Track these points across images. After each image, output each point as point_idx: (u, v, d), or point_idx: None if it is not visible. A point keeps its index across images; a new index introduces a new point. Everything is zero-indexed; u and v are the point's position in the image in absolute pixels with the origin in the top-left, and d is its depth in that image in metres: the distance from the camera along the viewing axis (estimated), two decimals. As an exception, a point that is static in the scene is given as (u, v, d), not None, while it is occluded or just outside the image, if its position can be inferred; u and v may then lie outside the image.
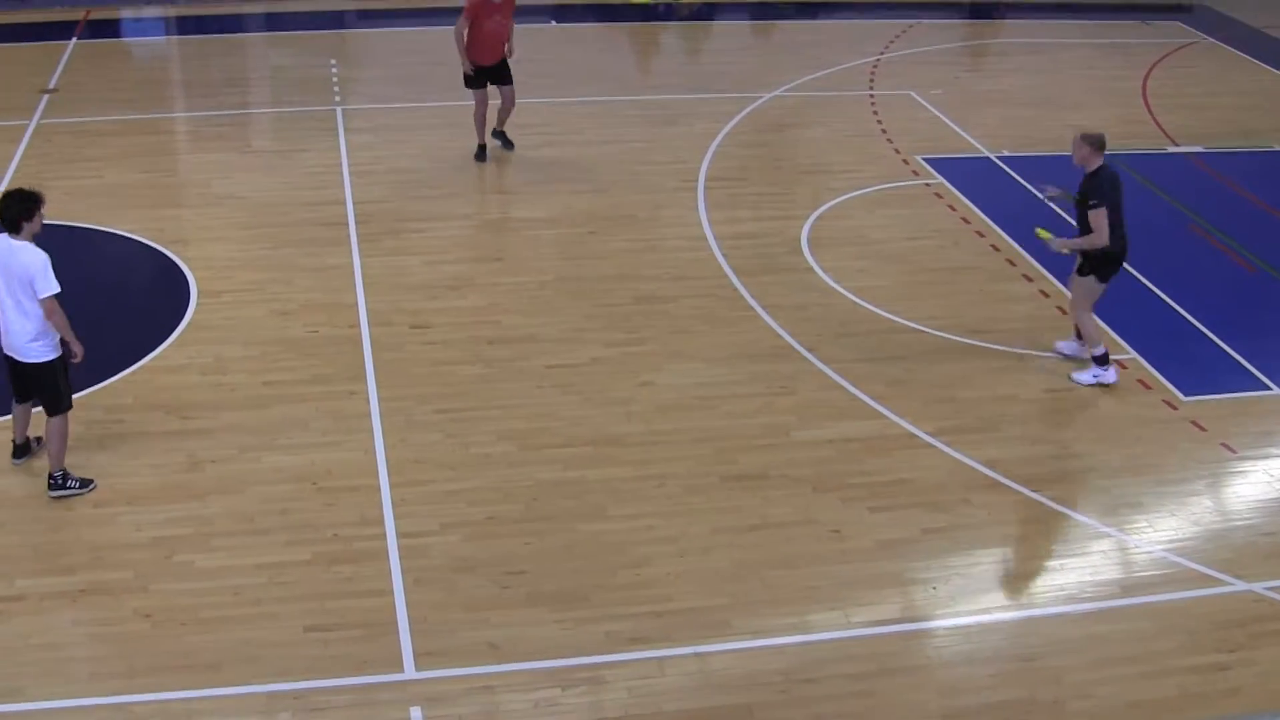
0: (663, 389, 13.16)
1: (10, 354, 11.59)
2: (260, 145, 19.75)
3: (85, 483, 11.68)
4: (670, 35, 26.40)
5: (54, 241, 15.94)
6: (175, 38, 25.95)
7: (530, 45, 23.72)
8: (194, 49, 25.14)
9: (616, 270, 15.49)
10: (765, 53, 25.69)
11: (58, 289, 11.40)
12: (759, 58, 25.13)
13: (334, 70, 22.38)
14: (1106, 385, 13.53)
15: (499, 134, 19.09)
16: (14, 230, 11.39)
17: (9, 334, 11.49)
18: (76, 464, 11.80)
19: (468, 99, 18.99)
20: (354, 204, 17.15)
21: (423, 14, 26.09)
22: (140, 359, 13.58)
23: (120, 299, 15.31)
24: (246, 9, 26.87)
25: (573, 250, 16.01)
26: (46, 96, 21.00)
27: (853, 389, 13.18)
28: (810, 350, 13.82)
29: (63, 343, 11.56)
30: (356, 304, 14.59)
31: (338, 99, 21.04)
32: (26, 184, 12.36)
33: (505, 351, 13.67)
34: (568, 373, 13.35)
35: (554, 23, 25.84)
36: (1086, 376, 13.63)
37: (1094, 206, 13.01)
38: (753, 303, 14.78)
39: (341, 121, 20.03)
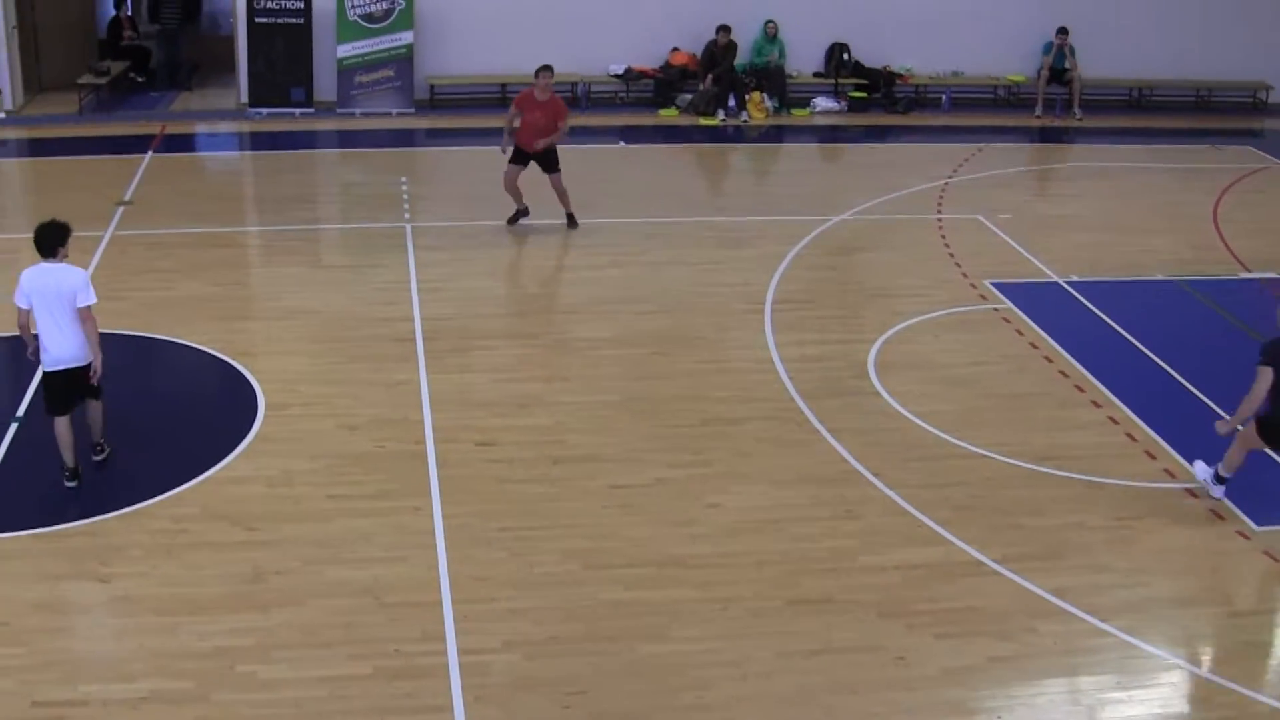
0: (727, 511, 13.10)
1: (58, 367, 13.07)
2: (330, 260, 19.93)
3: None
4: (739, 156, 26.59)
5: (126, 351, 16.32)
6: (249, 153, 26.30)
7: (599, 165, 24.02)
8: (267, 164, 25.48)
9: (682, 391, 15.49)
10: (833, 175, 25.83)
11: (96, 300, 13.03)
12: (827, 180, 25.27)
13: (404, 187, 22.60)
14: (1212, 498, 13.46)
15: (568, 216, 20.67)
16: (53, 255, 13.09)
17: (58, 348, 12.97)
18: (140, 571, 11.88)
19: (536, 219, 19.12)
20: (422, 320, 17.24)
21: (492, 133, 26.32)
22: (207, 470, 13.62)
23: (189, 410, 15.44)
24: (319, 125, 27.21)
25: (639, 370, 16.03)
26: (122, 208, 21.28)
27: (918, 514, 13.09)
28: (876, 475, 13.74)
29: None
30: (423, 420, 14.63)
31: (407, 216, 21.23)
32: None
33: (570, 470, 13.67)
34: (632, 493, 13.32)
35: (623, 143, 26.04)
36: (1205, 473, 13.60)
37: (1259, 363, 12.84)
38: (819, 426, 14.74)
39: (411, 238, 20.19)
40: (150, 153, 24.79)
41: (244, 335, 17.02)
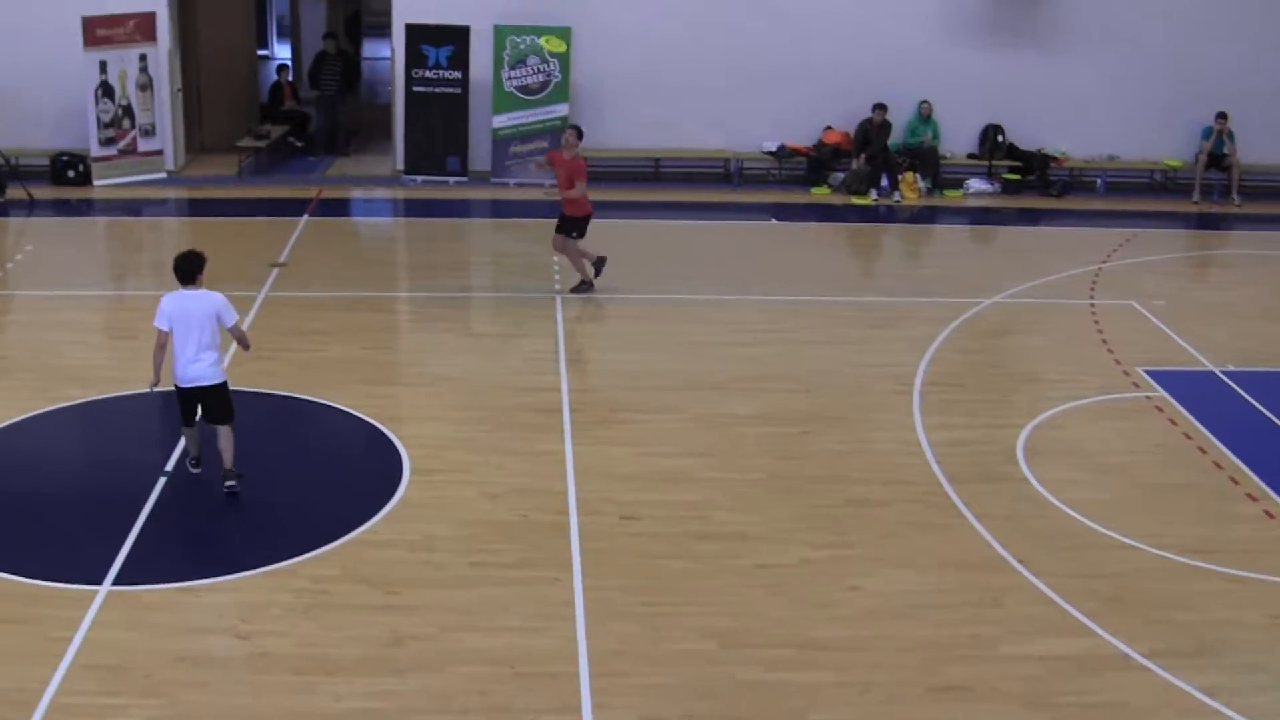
0: (870, 594, 12.95)
1: (191, 384, 14.19)
2: (479, 328, 20.06)
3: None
4: (890, 237, 26.47)
5: (275, 411, 16.50)
6: (403, 219, 26.59)
7: (750, 243, 24.04)
8: (420, 231, 25.76)
9: (827, 471, 15.37)
10: (985, 258, 25.65)
11: (238, 316, 14.56)
12: (979, 262, 25.10)
13: (555, 258, 22.69)
14: None
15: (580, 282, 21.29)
16: (192, 282, 14.22)
17: (191, 366, 14.09)
18: (279, 630, 11.99)
19: (684, 292, 19.20)
20: (569, 392, 17.27)
21: (645, 207, 26.46)
22: (350, 532, 13.71)
23: (334, 472, 15.56)
24: (472, 194, 27.45)
25: (784, 449, 15.92)
26: (276, 270, 21.57)
27: (1065, 604, 12.85)
28: (1022, 562, 13.52)
29: None
30: (566, 491, 14.63)
31: (558, 287, 21.32)
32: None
33: (712, 547, 13.58)
34: (774, 572, 13.21)
35: (774, 220, 26.02)
36: None
37: None
38: (965, 511, 14.55)
39: (561, 309, 20.27)
40: (306, 216, 25.13)
41: (391, 400, 17.15)
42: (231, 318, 14.29)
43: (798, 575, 13.17)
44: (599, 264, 21.10)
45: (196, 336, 14.05)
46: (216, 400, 14.37)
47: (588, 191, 20.88)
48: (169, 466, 15.04)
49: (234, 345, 15.45)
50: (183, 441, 15.03)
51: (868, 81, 27.88)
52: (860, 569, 13.34)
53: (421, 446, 15.65)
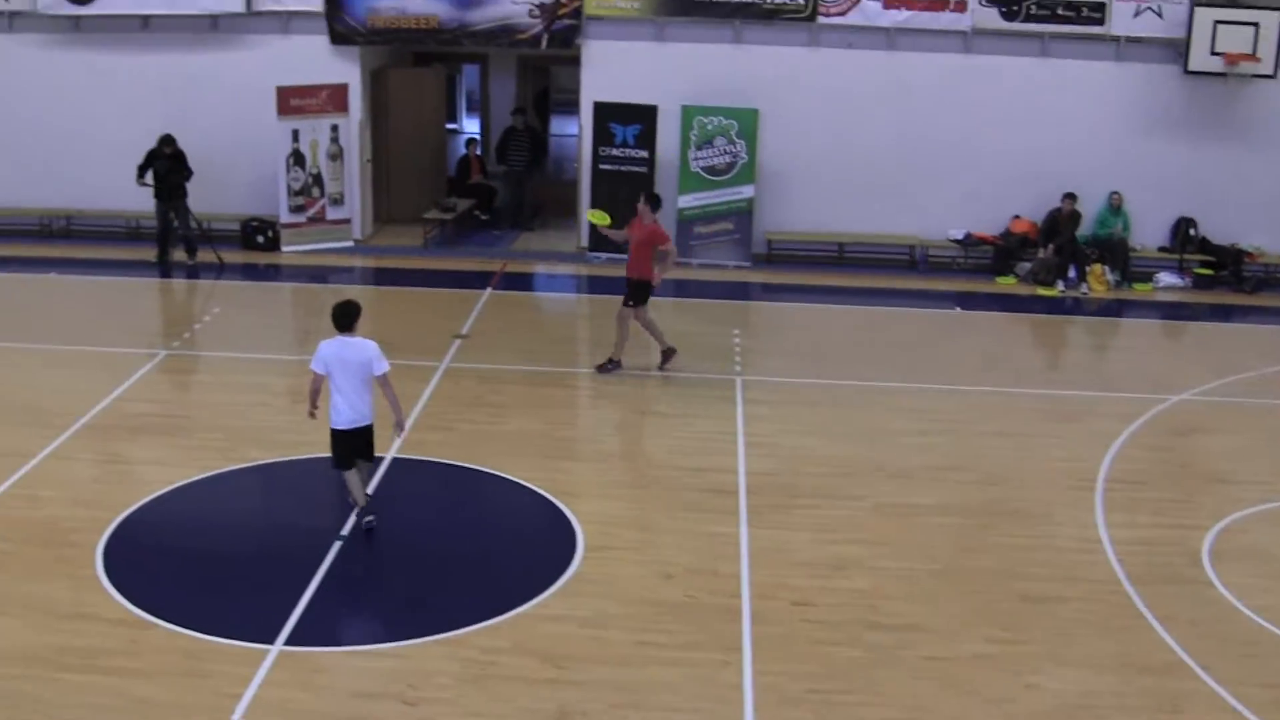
0: (1044, 693, 12.64)
1: (349, 426, 15.08)
2: (658, 407, 20.01)
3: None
4: (1076, 329, 26.04)
5: (452, 481, 16.60)
6: (585, 296, 26.70)
7: (933, 330, 23.81)
8: (602, 307, 25.78)
9: (1004, 565, 15.07)
10: (1174, 353, 25.16)
11: (389, 366, 15.17)
12: (1167, 358, 24.61)
13: (736, 340, 22.65)
14: None
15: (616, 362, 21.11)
16: (350, 330, 15.17)
17: (351, 410, 15.02)
18: (447, 698, 12.04)
19: (866, 379, 19.06)
20: (745, 474, 17.17)
21: (830, 292, 26.35)
22: (521, 605, 13.71)
23: (508, 544, 15.63)
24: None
25: (961, 541, 15.66)
26: (459, 342, 21.73)
27: (1249, 714, 12.44)
28: (1205, 669, 13.13)
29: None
30: (739, 574, 14.50)
31: (738, 368, 21.24)
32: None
33: (886, 638, 13.36)
34: (947, 665, 12.97)
35: (959, 309, 25.77)
36: None
37: None
38: (1145, 612, 14.17)
39: (740, 391, 20.19)
40: (489, 289, 25.33)
41: (568, 475, 17.16)
42: (383, 366, 15.08)
43: (970, 669, 12.91)
44: (669, 353, 21.18)
45: (354, 381, 15.00)
46: (370, 439, 15.37)
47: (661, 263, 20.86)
48: (345, 530, 15.18)
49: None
50: (354, 513, 15.37)
51: (1057, 171, 27.56)
52: (1035, 666, 13.03)
53: (596, 523, 15.63)
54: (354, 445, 15.24)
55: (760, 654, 12.96)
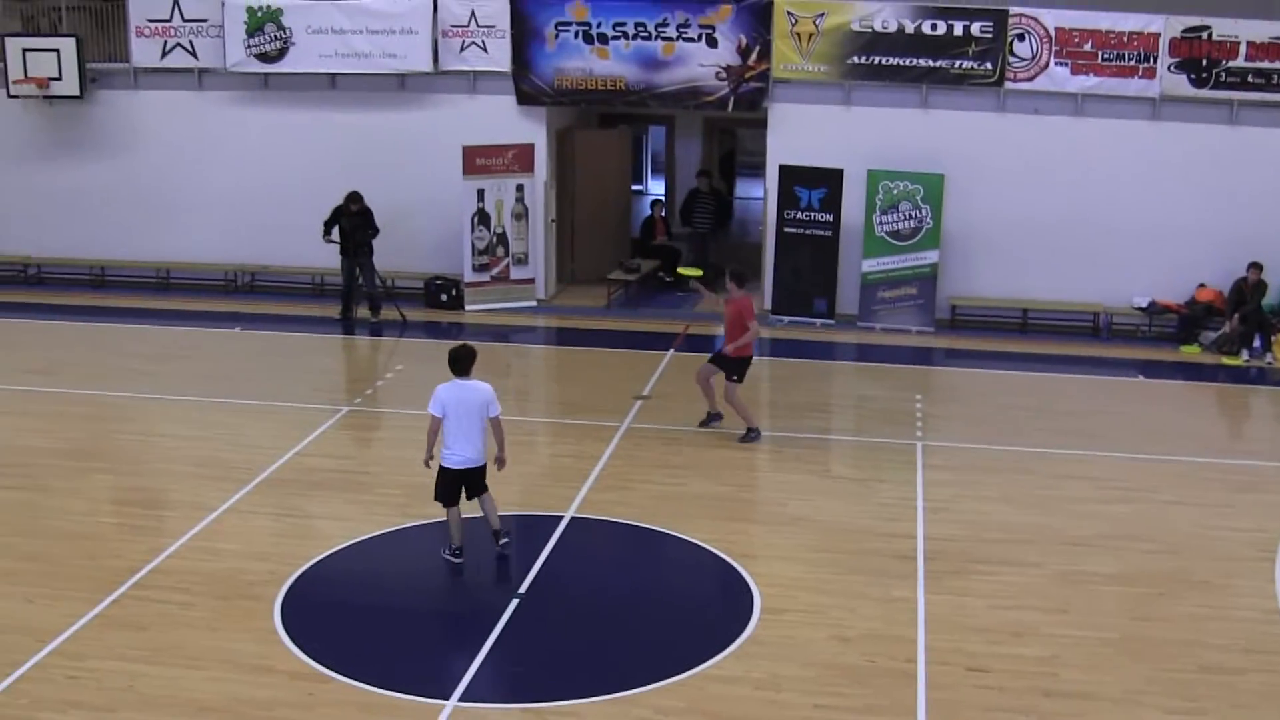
0: (1224, 767, 12.40)
1: (464, 466, 15.80)
2: (838, 471, 19.93)
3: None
4: (1260, 399, 25.50)
5: (631, 541, 16.68)
6: (768, 359, 26.67)
7: (1115, 399, 23.48)
8: (784, 371, 25.80)
9: (1183, 635, 14.74)
10: (1367, 427, 24.59)
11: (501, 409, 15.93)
12: (1358, 432, 24.07)
13: (918, 405, 22.50)
14: None
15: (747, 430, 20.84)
16: (467, 374, 15.84)
17: (466, 450, 15.75)
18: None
19: (1047, 446, 18.85)
20: (925, 539, 17.02)
21: (1013, 359, 26.11)
22: (696, 666, 13.67)
23: (685, 605, 15.62)
24: (838, 337, 27.44)
25: (1139, 610, 15.36)
26: (640, 402, 21.80)
27: None
28: (1392, 747, 12.80)
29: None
30: (916, 639, 14.36)
31: (919, 434, 21.09)
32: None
33: (1060, 706, 13.13)
34: (1124, 737, 12.77)
35: (1141, 377, 25.39)
36: None
37: None
38: (1330, 687, 13.84)
39: (921, 456, 20.03)
40: (672, 351, 25.41)
41: (745, 537, 17.13)
42: (497, 409, 15.86)
43: (1147, 741, 12.68)
44: (713, 417, 21.11)
45: (470, 423, 15.71)
46: (481, 476, 16.03)
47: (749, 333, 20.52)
48: (522, 589, 15.25)
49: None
50: (539, 566, 15.58)
51: (1245, 239, 27.06)
52: (1215, 739, 12.77)
53: (773, 585, 15.57)
54: (467, 483, 15.95)
55: (935, 719, 12.84)
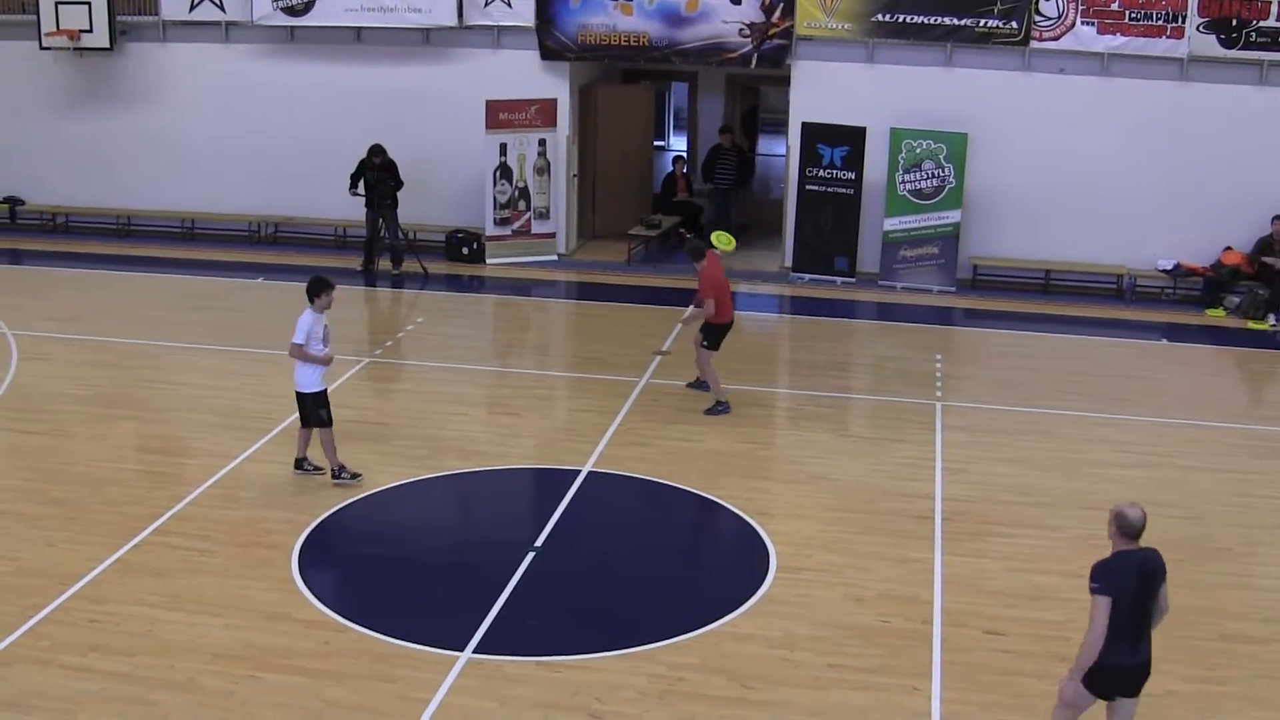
0: (1241, 734, 12.39)
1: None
2: (856, 430, 19.92)
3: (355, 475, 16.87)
4: (1287, 366, 25.48)
5: (648, 496, 16.72)
6: (787, 316, 26.66)
7: (1138, 362, 23.41)
8: (804, 329, 25.80)
9: (1203, 603, 14.70)
10: (1390, 395, 24.50)
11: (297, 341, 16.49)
12: (1382, 400, 23.99)
13: (938, 365, 22.46)
14: None
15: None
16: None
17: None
18: (633, 714, 12.11)
19: (1068, 408, 18.87)
20: (942, 500, 17.00)
21: (1034, 319, 26.03)
22: (711, 623, 13.70)
23: (701, 561, 15.69)
24: (859, 296, 27.37)
25: (1160, 576, 15.35)
26: (659, 358, 21.78)
27: None
28: None
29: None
30: (932, 601, 14.36)
31: (938, 394, 21.05)
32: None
33: (1078, 670, 13.16)
34: (1139, 702, 12.70)
35: (1165, 341, 25.29)
36: None
37: (1094, 590, 10.68)
38: (1351, 656, 13.81)
39: (940, 417, 20.00)
40: (692, 307, 25.30)
41: (763, 495, 17.13)
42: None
43: (1162, 707, 12.61)
44: (699, 384, 20.61)
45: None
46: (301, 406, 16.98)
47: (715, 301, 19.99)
48: (539, 542, 15.27)
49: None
50: (556, 520, 15.80)
51: (1272, 201, 26.91)
52: (1230, 707, 12.73)
53: (790, 544, 15.58)
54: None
55: (950, 682, 12.83)
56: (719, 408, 19.87)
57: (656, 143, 35.70)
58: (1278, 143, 26.98)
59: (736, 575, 14.99)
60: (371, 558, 15.29)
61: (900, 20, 27.53)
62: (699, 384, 20.59)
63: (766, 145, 38.01)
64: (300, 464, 17.13)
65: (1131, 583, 10.76)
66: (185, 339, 22.88)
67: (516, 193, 28.86)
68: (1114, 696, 10.96)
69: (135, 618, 13.53)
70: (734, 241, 20.68)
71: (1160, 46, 26.91)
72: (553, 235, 29.40)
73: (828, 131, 27.90)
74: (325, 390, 16.82)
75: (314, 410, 16.74)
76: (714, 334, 19.96)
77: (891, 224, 27.94)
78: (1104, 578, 10.70)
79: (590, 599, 14.41)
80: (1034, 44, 27.25)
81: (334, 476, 16.82)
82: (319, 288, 16.48)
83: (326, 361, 16.71)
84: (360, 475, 16.82)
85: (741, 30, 27.99)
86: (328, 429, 16.79)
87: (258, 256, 29.49)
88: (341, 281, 26.46)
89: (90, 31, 29.76)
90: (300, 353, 16.41)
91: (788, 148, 29.03)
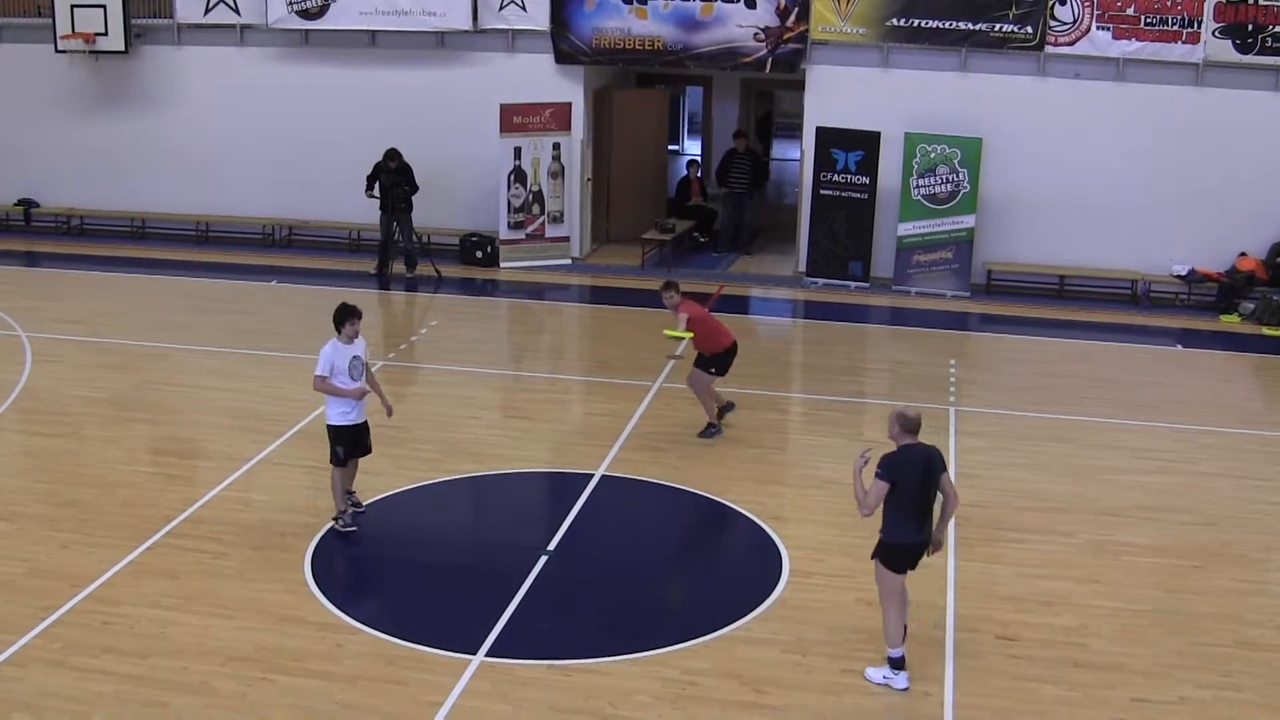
0: (1255, 741, 12.35)
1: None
2: (870, 435, 19.87)
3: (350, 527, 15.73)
4: (1302, 372, 25.42)
5: (662, 501, 16.72)
6: (801, 321, 26.63)
7: (1153, 368, 23.37)
8: (818, 334, 25.76)
9: (1218, 609, 14.67)
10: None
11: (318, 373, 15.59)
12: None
13: (952, 370, 22.43)
14: (899, 690, 12.70)
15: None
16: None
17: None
18: (645, 718, 11.96)
19: (1082, 414, 18.83)
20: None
21: (1049, 324, 25.99)
22: (724, 627, 13.69)
23: (714, 566, 15.70)
24: (873, 301, 27.34)
25: (1174, 583, 15.29)
26: (672, 362, 21.76)
27: None
28: None
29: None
30: (945, 606, 14.33)
31: (953, 399, 21.02)
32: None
33: (1089, 677, 13.10)
34: (1152, 709, 12.66)
35: (1180, 346, 25.25)
36: (876, 675, 12.84)
37: (877, 475, 12.59)
38: (1366, 665, 13.77)
39: (953, 422, 19.98)
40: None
41: (777, 500, 17.13)
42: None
43: (1176, 714, 12.59)
44: (724, 409, 19.75)
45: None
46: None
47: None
48: (551, 545, 15.28)
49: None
50: (569, 524, 15.74)
51: (1287, 206, 26.93)
52: (1245, 714, 12.67)
53: (803, 548, 15.56)
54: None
55: (962, 687, 12.80)
56: (711, 430, 19.33)
57: (671, 147, 35.73)
58: (1292, 147, 26.95)
59: (749, 579, 14.98)
60: (384, 560, 15.30)
61: (915, 25, 27.51)
62: (724, 411, 19.75)
63: (781, 150, 38.04)
64: (347, 495, 16.03)
65: (916, 472, 12.60)
66: (199, 342, 22.91)
67: (530, 196, 28.86)
68: (906, 570, 12.83)
69: (148, 620, 13.55)
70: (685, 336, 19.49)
71: (1176, 52, 26.84)
72: (567, 239, 29.39)
73: (842, 136, 27.87)
74: (348, 427, 15.67)
75: (331, 446, 15.71)
76: (721, 361, 19.28)
77: (906, 229, 27.90)
78: (890, 467, 12.56)
79: (602, 603, 14.40)
80: (1049, 49, 27.20)
81: (334, 518, 15.88)
82: (344, 316, 15.58)
83: (356, 396, 15.60)
84: (355, 529, 15.83)
85: (756, 35, 27.97)
86: (336, 469, 15.80)
87: (271, 260, 29.51)
88: (355, 285, 26.65)
89: (105, 34, 29.80)
90: (323, 386, 15.45)
91: (802, 152, 28.98)
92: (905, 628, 12.90)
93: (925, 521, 12.76)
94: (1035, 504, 17.22)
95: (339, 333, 15.56)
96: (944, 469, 12.86)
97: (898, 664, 12.86)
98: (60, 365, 21.64)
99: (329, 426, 15.60)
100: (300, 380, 20.28)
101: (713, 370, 19.19)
